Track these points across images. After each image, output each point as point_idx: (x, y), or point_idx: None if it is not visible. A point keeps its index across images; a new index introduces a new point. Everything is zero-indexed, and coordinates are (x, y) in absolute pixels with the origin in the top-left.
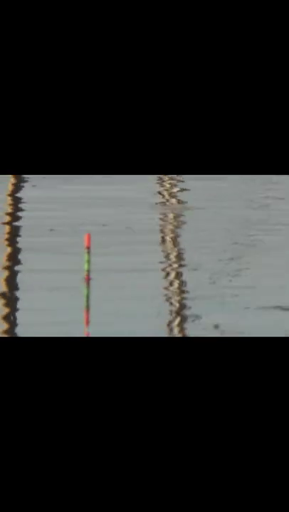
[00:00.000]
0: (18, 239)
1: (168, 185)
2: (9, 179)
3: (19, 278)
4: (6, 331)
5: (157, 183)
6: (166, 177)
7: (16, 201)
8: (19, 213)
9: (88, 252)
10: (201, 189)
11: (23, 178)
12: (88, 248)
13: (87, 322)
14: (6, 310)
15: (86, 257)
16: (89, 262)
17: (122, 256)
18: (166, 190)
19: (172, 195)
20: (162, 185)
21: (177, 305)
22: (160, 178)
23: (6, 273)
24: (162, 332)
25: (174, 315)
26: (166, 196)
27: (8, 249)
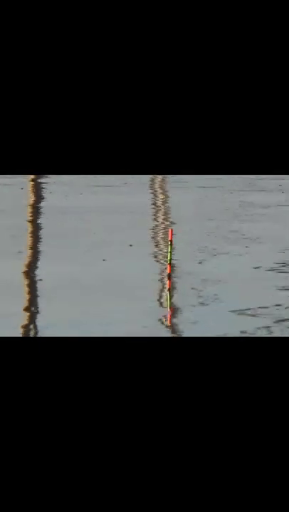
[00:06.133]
0: None
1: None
2: None
3: None
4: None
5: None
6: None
7: None
8: None
9: (171, 244)
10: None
11: None
12: (171, 241)
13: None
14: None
15: (169, 248)
16: (171, 253)
17: None
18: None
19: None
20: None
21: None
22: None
23: None
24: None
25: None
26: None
27: None
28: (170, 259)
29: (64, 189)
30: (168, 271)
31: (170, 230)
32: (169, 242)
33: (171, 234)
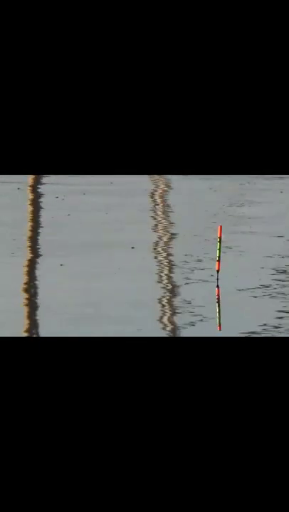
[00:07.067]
0: None
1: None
2: None
3: None
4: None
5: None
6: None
7: None
8: None
9: (220, 241)
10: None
11: None
12: (220, 238)
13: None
14: None
15: (218, 245)
16: (220, 249)
17: None
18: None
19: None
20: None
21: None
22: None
23: None
24: None
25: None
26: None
27: None
28: (219, 256)
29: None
30: (217, 268)
31: (219, 227)
32: (218, 239)
33: (220, 231)
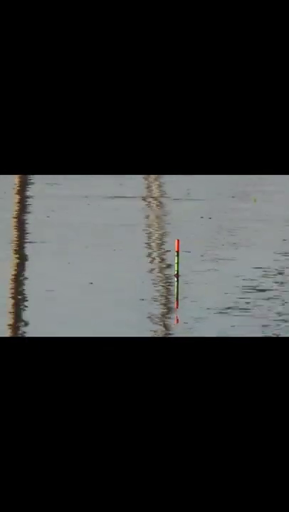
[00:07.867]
0: None
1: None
2: None
3: None
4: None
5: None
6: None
7: None
8: None
9: (178, 255)
10: None
11: None
12: (178, 252)
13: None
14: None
15: (176, 259)
16: (178, 263)
17: None
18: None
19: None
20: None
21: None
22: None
23: None
24: None
25: None
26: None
27: None
28: (177, 270)
29: None
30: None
31: (176, 241)
32: (176, 253)
33: (178, 245)
